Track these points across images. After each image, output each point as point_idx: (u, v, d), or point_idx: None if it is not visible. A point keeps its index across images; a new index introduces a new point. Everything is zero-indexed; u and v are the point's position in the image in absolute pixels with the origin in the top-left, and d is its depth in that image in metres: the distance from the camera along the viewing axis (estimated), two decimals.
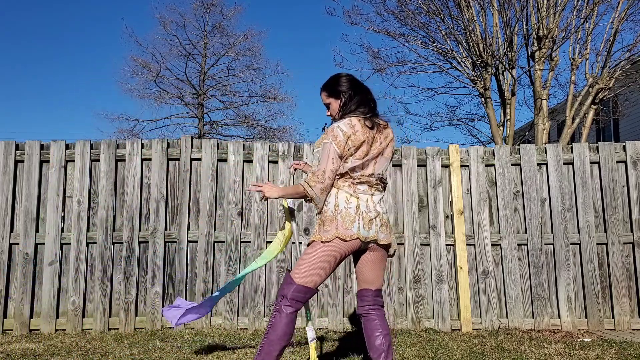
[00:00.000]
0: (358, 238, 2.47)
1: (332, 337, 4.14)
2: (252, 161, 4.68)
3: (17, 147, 4.61)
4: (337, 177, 2.54)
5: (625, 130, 13.35)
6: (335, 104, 2.69)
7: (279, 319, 2.47)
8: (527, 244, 4.62)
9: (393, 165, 4.72)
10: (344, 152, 2.50)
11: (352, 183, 2.54)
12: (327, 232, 2.48)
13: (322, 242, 2.48)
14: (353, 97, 2.64)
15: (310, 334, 2.85)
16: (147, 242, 4.53)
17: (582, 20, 8.26)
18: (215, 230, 4.59)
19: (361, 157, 2.54)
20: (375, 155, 2.58)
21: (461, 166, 4.73)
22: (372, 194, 2.57)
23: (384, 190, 2.69)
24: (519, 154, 4.73)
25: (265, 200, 2.68)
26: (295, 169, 3.06)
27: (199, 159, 4.66)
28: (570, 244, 4.61)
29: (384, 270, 2.67)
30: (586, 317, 4.52)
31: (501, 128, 9.48)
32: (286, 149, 4.71)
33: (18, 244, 4.48)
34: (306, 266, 2.50)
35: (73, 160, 4.61)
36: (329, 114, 2.74)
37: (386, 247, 2.62)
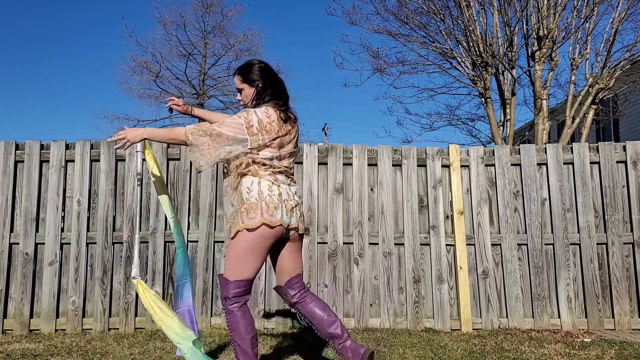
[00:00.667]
0: (281, 225, 2.52)
1: None
2: None
3: (17, 147, 4.61)
4: (258, 165, 2.56)
5: (625, 130, 13.36)
6: (248, 91, 2.69)
7: (234, 320, 2.49)
8: (527, 244, 4.62)
9: (393, 165, 4.73)
10: (254, 141, 2.51)
11: (273, 172, 2.58)
12: (252, 219, 2.48)
13: (247, 229, 2.48)
14: (267, 87, 2.66)
15: (134, 271, 2.83)
16: (147, 242, 4.53)
17: (582, 20, 8.27)
18: (215, 230, 4.59)
19: (277, 148, 2.58)
20: (291, 149, 2.66)
21: (461, 166, 4.73)
22: (289, 184, 2.64)
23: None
24: (519, 154, 4.73)
25: (127, 149, 2.57)
26: (172, 110, 2.94)
27: None
28: (570, 244, 4.61)
29: (302, 257, 2.75)
30: (586, 317, 4.52)
31: (501, 128, 9.48)
32: None
33: (18, 244, 4.48)
34: (235, 260, 2.50)
35: (73, 160, 4.61)
36: (239, 98, 2.74)
37: (302, 237, 2.70)
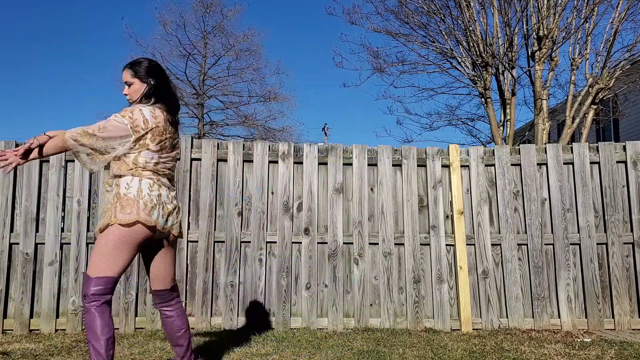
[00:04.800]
0: (156, 225, 2.50)
1: (332, 337, 4.14)
2: (252, 161, 4.68)
3: (17, 147, 4.60)
4: (140, 167, 2.53)
5: (625, 130, 13.36)
6: (139, 86, 2.63)
7: (90, 318, 2.40)
8: (527, 244, 4.62)
9: (393, 165, 4.73)
10: (136, 141, 2.50)
11: (156, 173, 2.57)
12: (127, 215, 2.43)
13: (120, 224, 2.42)
14: (160, 88, 2.64)
15: None
16: None
17: (582, 20, 8.27)
18: (215, 230, 4.59)
19: (158, 150, 2.57)
20: (173, 153, 2.67)
21: (461, 166, 4.73)
22: (168, 187, 2.64)
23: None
24: (519, 154, 4.73)
25: (8, 172, 2.44)
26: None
27: (199, 159, 4.66)
28: (570, 244, 4.61)
29: (174, 266, 2.77)
30: (586, 317, 4.52)
31: (501, 128, 9.48)
32: (286, 149, 4.71)
33: (18, 244, 4.48)
34: (100, 255, 2.42)
35: (73, 160, 4.61)
36: (126, 92, 2.66)
37: (175, 244, 2.72)
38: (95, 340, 2.39)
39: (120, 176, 2.54)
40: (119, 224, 2.43)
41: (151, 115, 2.54)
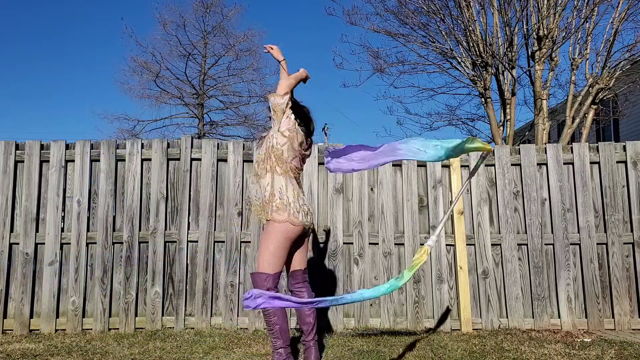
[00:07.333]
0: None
1: (332, 337, 4.14)
2: (252, 161, 4.68)
3: (17, 147, 4.61)
4: None
5: (625, 130, 13.36)
6: None
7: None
8: (527, 244, 4.62)
9: (393, 165, 4.73)
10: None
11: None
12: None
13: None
14: None
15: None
16: (147, 242, 4.53)
17: (582, 20, 8.26)
18: (215, 230, 4.59)
19: None
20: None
21: (461, 166, 4.73)
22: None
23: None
24: (519, 154, 4.73)
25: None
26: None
27: (199, 159, 4.66)
28: (570, 244, 4.61)
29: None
30: (586, 317, 4.52)
31: (501, 128, 9.48)
32: None
33: (18, 244, 4.48)
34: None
35: (73, 160, 4.61)
36: None
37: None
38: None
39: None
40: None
41: None
